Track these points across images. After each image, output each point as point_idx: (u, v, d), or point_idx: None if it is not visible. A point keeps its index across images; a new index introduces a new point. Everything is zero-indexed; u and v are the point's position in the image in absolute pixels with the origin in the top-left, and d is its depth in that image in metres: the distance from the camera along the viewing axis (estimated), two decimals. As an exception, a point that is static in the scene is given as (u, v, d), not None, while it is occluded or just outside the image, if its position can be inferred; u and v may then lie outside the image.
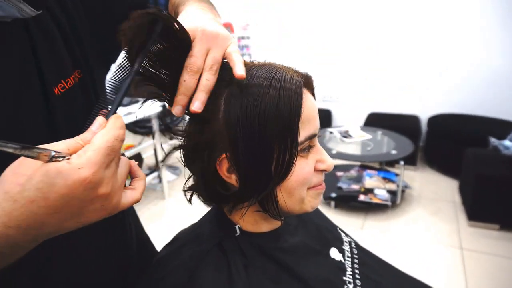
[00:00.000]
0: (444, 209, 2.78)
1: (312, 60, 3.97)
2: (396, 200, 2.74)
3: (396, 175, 2.98)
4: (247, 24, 4.25)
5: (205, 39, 0.47)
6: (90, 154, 0.35)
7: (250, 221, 0.60)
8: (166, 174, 3.18)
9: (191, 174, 0.58)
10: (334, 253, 0.71)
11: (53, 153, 0.33)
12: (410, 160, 3.35)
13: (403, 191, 2.87)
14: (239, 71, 0.47)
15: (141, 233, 0.85)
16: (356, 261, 0.74)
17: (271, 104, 0.48)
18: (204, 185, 0.56)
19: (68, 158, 0.34)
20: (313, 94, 0.57)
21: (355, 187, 2.88)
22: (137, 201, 0.41)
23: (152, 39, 0.44)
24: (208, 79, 0.47)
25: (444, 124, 3.40)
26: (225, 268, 0.54)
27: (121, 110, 2.52)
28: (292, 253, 0.62)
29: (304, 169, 0.53)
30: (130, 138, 3.85)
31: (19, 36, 0.47)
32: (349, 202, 2.76)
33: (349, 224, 2.60)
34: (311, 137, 0.53)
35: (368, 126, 3.44)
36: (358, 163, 3.30)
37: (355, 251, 0.77)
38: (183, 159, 0.55)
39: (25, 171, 0.34)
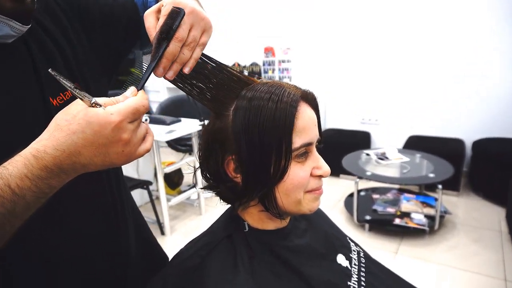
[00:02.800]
0: (488, 237, 2.62)
1: (352, 83, 4.00)
2: (434, 226, 2.64)
3: (436, 199, 2.88)
4: (288, 48, 4.39)
5: (192, 17, 0.54)
6: (121, 107, 0.46)
7: (257, 219, 0.68)
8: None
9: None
10: (341, 259, 0.75)
11: (93, 100, 0.45)
12: (452, 185, 3.21)
13: (442, 217, 2.75)
14: (185, 69, 0.55)
15: (148, 238, 0.91)
16: (363, 269, 0.77)
17: (269, 115, 0.56)
18: (215, 182, 0.65)
19: (104, 107, 0.46)
20: (315, 109, 0.65)
21: (391, 210, 2.81)
22: (148, 151, 0.51)
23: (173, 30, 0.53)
24: (185, 53, 0.54)
25: (490, 148, 3.23)
26: (231, 257, 0.62)
27: (163, 128, 2.73)
28: (297, 253, 0.68)
29: (299, 174, 0.60)
30: (173, 155, 4.07)
31: (21, 53, 0.57)
32: (384, 226, 2.70)
33: (383, 248, 2.54)
34: (307, 145, 0.60)
35: (408, 149, 3.36)
36: (396, 186, 3.23)
37: (363, 260, 0.80)
38: (199, 158, 0.65)
39: (72, 111, 0.45)
